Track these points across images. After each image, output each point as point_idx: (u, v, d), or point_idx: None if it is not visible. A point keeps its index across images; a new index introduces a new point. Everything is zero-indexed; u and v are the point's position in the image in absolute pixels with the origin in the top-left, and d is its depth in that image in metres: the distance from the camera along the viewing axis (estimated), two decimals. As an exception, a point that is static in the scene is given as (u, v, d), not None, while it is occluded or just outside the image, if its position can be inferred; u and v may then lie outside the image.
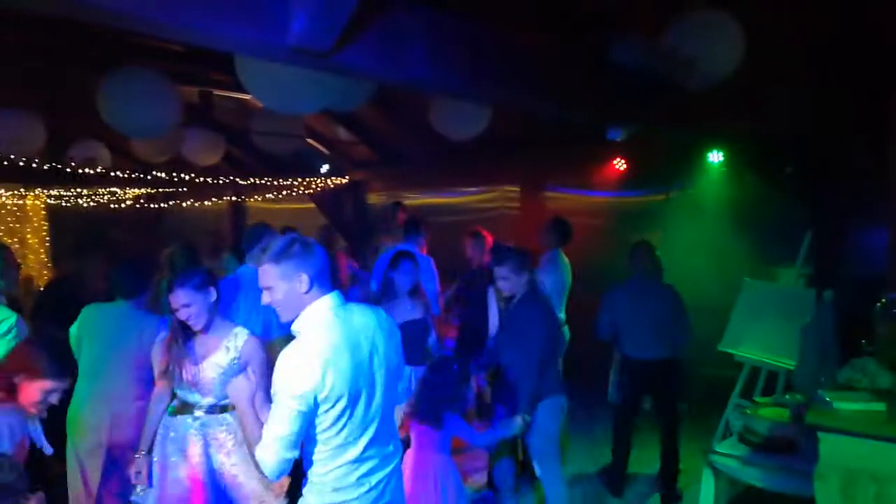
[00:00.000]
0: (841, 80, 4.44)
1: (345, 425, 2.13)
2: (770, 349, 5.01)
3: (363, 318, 2.27)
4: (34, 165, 6.14)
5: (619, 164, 6.55)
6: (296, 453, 2.09)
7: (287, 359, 2.08)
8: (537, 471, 3.82)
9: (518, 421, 3.55)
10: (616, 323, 4.66)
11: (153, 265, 4.03)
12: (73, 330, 3.62)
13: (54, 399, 2.60)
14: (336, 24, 2.44)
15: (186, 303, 2.92)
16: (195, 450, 3.03)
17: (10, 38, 5.22)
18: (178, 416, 3.09)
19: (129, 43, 5.48)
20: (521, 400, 3.62)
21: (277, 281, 2.14)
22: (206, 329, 3.03)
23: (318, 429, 2.12)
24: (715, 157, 5.76)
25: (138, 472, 3.10)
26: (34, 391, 2.54)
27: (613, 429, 4.81)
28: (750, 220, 5.87)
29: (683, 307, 4.59)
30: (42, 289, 7.01)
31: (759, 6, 4.12)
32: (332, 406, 2.09)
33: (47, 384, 2.56)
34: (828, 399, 3.05)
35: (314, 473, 2.18)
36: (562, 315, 5.28)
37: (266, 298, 2.20)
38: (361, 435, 2.18)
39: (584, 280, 5.44)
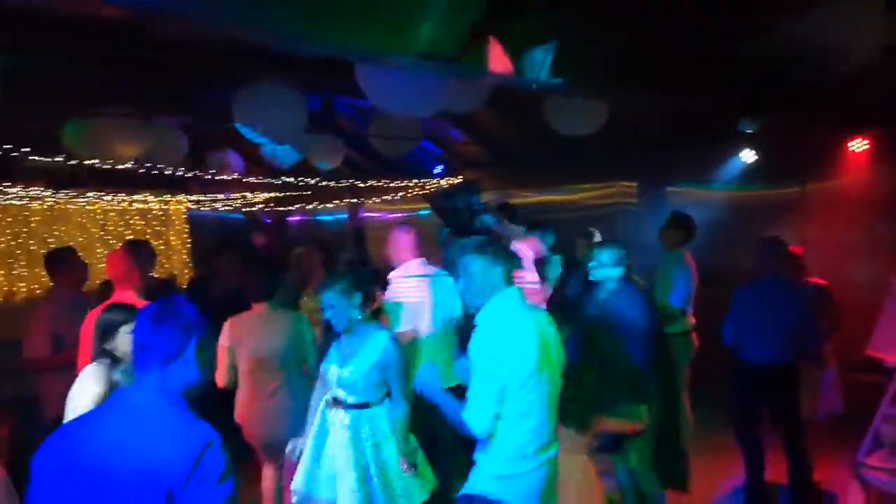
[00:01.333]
0: None
1: (527, 399, 2.46)
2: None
3: (537, 311, 2.68)
4: (178, 173, 6.67)
5: (748, 156, 6.18)
6: (496, 412, 2.44)
7: (488, 334, 2.48)
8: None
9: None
10: (741, 325, 4.42)
11: (283, 266, 4.29)
12: (224, 341, 3.87)
13: None
14: (462, 30, 2.48)
15: (331, 304, 3.14)
16: (344, 443, 3.19)
17: (153, 56, 5.70)
18: (332, 410, 3.29)
19: (259, 54, 5.83)
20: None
21: (477, 270, 2.57)
22: (349, 331, 3.21)
23: (507, 398, 2.45)
24: (859, 145, 5.31)
25: (293, 450, 3.41)
26: None
27: (738, 440, 4.57)
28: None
29: (815, 310, 4.28)
30: (184, 288, 7.61)
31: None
32: (526, 379, 2.44)
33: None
34: None
35: (494, 440, 2.49)
36: (691, 321, 5.05)
37: (461, 284, 2.65)
38: (539, 411, 2.51)
39: (710, 281, 5.19)
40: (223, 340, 3.86)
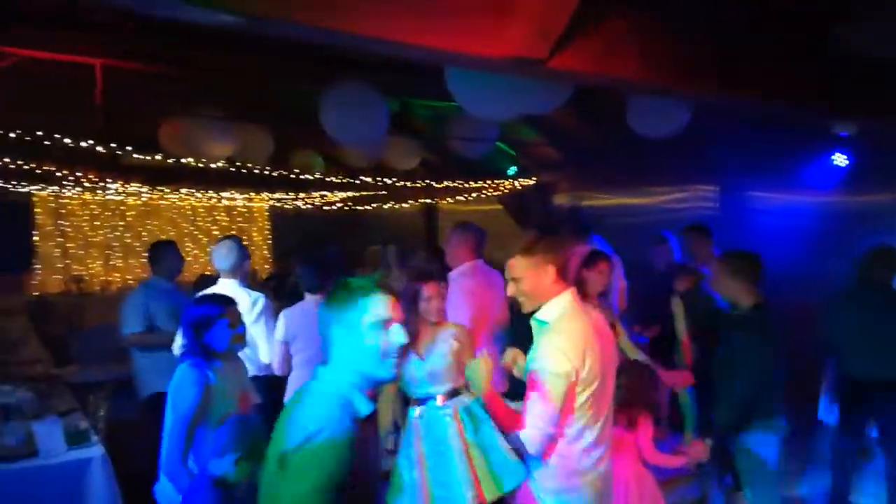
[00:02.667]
0: None
1: (590, 407, 2.31)
2: None
3: (593, 313, 2.48)
4: (264, 172, 6.96)
5: (841, 160, 5.92)
6: (555, 429, 2.27)
7: (550, 342, 2.28)
8: (749, 497, 3.58)
9: (702, 447, 3.37)
10: (835, 337, 4.24)
11: (344, 262, 4.43)
12: (279, 335, 4.04)
13: (223, 330, 2.94)
14: (552, 32, 2.53)
15: (439, 294, 3.32)
16: (452, 435, 3.27)
17: (243, 60, 6.00)
18: (412, 407, 3.41)
19: (340, 58, 6.04)
20: (717, 422, 3.40)
21: (525, 272, 2.35)
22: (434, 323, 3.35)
23: (566, 411, 2.29)
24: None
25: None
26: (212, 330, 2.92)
27: (831, 455, 4.39)
28: None
29: None
30: (263, 282, 7.95)
31: None
32: (587, 387, 2.28)
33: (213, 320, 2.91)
34: None
35: (556, 454, 2.34)
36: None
37: (511, 290, 2.41)
38: (600, 419, 2.36)
39: (798, 289, 5.00)
40: (277, 333, 4.01)
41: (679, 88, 3.05)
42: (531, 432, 2.26)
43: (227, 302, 3.02)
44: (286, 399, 3.93)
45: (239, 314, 3.02)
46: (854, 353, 4.18)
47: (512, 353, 2.74)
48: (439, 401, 3.34)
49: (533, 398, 2.26)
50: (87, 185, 7.58)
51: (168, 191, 8.46)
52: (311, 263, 4.18)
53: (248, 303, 4.00)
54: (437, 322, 3.38)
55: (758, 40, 3.26)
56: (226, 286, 4.08)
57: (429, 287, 3.31)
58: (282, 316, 4.01)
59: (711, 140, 6.47)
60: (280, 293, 6.03)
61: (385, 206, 10.76)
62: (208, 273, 7.21)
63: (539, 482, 2.40)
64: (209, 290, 4.01)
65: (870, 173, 5.82)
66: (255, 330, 3.97)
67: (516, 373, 2.69)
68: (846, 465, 4.30)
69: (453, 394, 3.36)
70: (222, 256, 4.11)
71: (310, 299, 4.06)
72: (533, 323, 2.40)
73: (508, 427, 2.41)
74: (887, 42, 3.30)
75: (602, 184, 8.66)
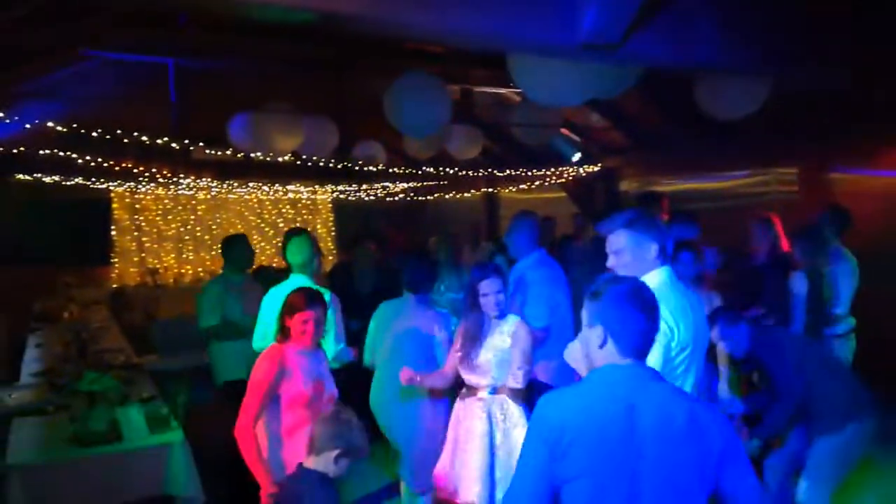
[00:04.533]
0: None
1: (683, 372, 2.34)
2: None
3: (690, 293, 2.50)
4: (329, 165, 7.05)
5: (932, 139, 5.54)
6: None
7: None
8: (801, 489, 3.43)
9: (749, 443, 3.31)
10: None
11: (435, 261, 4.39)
12: (372, 324, 4.05)
13: (310, 327, 3.04)
14: (625, 15, 2.44)
15: (498, 290, 3.25)
16: (479, 429, 3.26)
17: (308, 53, 6.07)
18: (466, 399, 3.38)
19: (403, 49, 6.04)
20: (769, 422, 3.34)
21: (628, 246, 2.39)
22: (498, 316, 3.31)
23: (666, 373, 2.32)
24: None
25: None
26: (297, 324, 3.03)
27: None
28: None
29: None
30: (327, 273, 8.06)
31: None
32: (682, 352, 2.31)
33: (301, 314, 3.02)
34: None
35: None
36: (851, 321, 4.65)
37: (612, 261, 2.44)
38: (692, 387, 2.38)
39: (885, 275, 4.72)
40: (372, 322, 4.04)
41: (755, 66, 2.89)
42: None
43: (316, 294, 3.19)
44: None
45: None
46: None
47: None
48: (480, 394, 3.32)
49: None
50: (160, 180, 7.87)
51: (236, 185, 8.70)
52: (422, 261, 4.12)
53: None
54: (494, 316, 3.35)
55: (839, 11, 3.06)
56: (297, 281, 4.13)
57: (485, 284, 3.29)
58: (381, 306, 4.05)
59: (790, 118, 6.16)
60: (346, 285, 6.06)
61: (447, 196, 10.76)
62: (266, 265, 7.35)
63: None
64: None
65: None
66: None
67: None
68: None
69: (495, 391, 3.31)
70: (295, 251, 4.17)
71: (410, 297, 4.00)
72: None
73: None
74: None
75: (671, 168, 8.38)
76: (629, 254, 2.39)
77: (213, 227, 11.16)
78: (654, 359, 2.24)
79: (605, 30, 2.47)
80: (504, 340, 3.28)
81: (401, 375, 3.37)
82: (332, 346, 3.97)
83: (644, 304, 1.79)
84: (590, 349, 1.83)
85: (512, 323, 3.33)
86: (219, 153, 6.79)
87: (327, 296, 4.07)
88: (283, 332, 3.07)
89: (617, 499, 1.69)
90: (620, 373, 1.76)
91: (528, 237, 4.16)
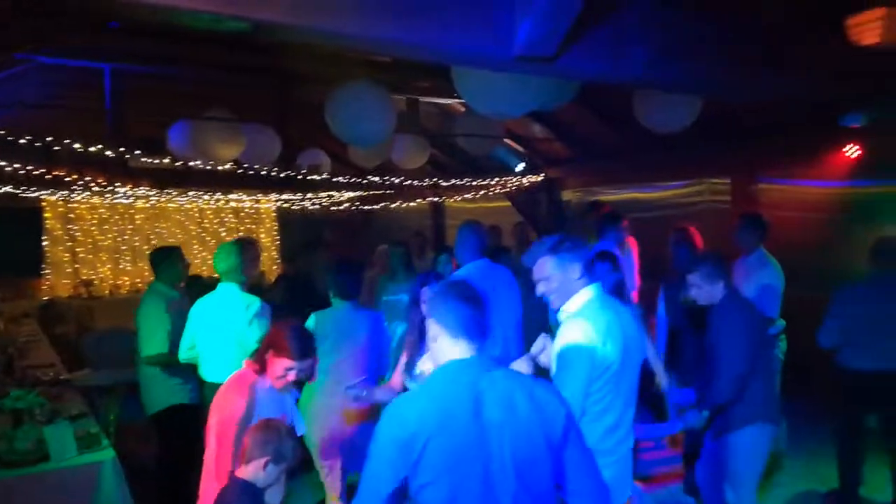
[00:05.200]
0: None
1: (611, 391, 2.43)
2: None
3: (620, 307, 2.59)
4: (272, 174, 6.95)
5: (852, 151, 5.86)
6: (582, 404, 2.38)
7: (573, 330, 2.41)
8: (729, 496, 3.56)
9: (699, 415, 3.43)
10: (845, 330, 4.20)
11: (364, 265, 4.38)
12: (310, 326, 4.03)
13: (292, 376, 2.81)
14: (560, 29, 2.50)
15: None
16: None
17: (249, 61, 5.99)
18: None
19: (347, 58, 6.02)
20: (711, 397, 3.43)
21: (554, 271, 2.49)
22: None
23: (590, 392, 2.42)
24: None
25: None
26: (278, 367, 2.77)
27: (838, 449, 4.36)
28: None
29: None
30: (272, 283, 7.94)
31: None
32: (606, 370, 2.39)
33: (289, 362, 2.76)
34: None
35: None
36: (781, 323, 4.87)
37: (542, 288, 2.55)
38: (621, 403, 2.48)
39: (806, 282, 4.96)
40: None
41: (691, 86, 3.01)
42: None
43: None
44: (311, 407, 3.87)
45: None
46: (855, 345, 4.15)
47: (542, 341, 2.79)
48: None
49: (559, 377, 2.40)
50: (95, 189, 7.61)
51: (176, 193, 8.48)
52: (351, 269, 4.12)
53: (242, 306, 3.98)
54: None
55: (778, 28, 3.21)
56: (225, 290, 4.06)
57: (426, 291, 3.26)
58: (312, 317, 3.97)
59: (722, 131, 6.42)
60: (293, 295, 5.97)
61: (392, 206, 10.75)
62: (197, 275, 7.17)
63: None
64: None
65: (881, 164, 5.76)
66: (249, 334, 3.91)
67: (544, 359, 2.73)
68: (853, 457, 4.28)
69: None
70: (221, 258, 4.10)
71: (341, 305, 4.01)
72: (560, 317, 2.54)
73: None
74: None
75: (610, 178, 8.60)
76: (556, 279, 2.50)
77: (152, 237, 10.85)
78: (573, 376, 2.36)
79: (540, 43, 2.52)
80: None
81: (347, 398, 3.35)
82: None
83: (465, 294, 1.95)
84: (434, 349, 1.95)
85: None
86: (157, 161, 6.60)
87: (257, 305, 4.02)
88: (260, 364, 2.83)
89: (472, 495, 1.76)
90: (460, 366, 1.86)
91: (472, 246, 4.19)
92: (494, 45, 2.57)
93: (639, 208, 7.97)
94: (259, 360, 2.83)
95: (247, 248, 4.24)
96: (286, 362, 2.76)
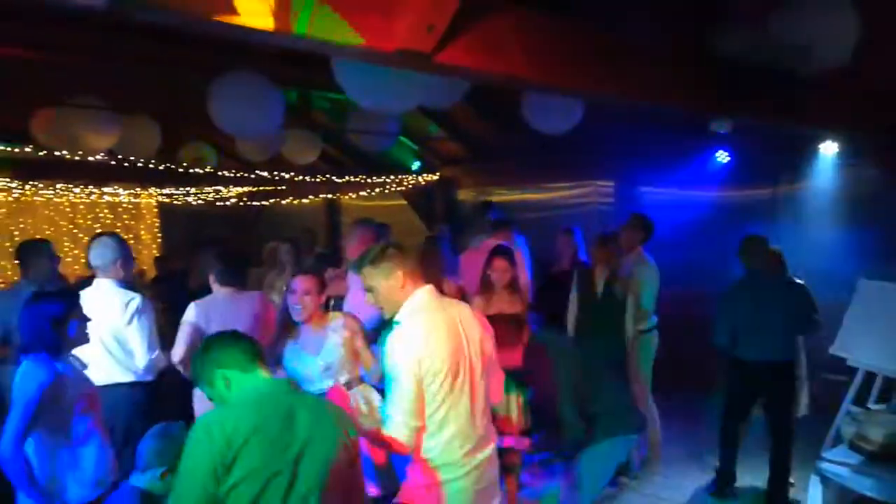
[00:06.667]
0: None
1: (444, 399, 2.37)
2: (886, 353, 4.67)
3: (456, 308, 2.56)
4: (150, 166, 6.56)
5: (723, 157, 6.27)
6: (420, 423, 2.36)
7: (397, 341, 2.37)
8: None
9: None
10: (733, 325, 4.47)
11: (249, 258, 4.31)
12: (188, 318, 3.85)
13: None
14: (439, 25, 2.47)
15: (306, 290, 3.26)
16: None
17: (127, 47, 5.61)
18: None
19: (233, 48, 5.75)
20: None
21: (376, 281, 2.45)
22: (312, 318, 3.33)
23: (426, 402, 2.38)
24: (829, 148, 5.43)
25: None
26: None
27: (720, 435, 4.64)
28: (867, 216, 5.48)
29: (809, 305, 4.38)
30: (152, 281, 7.52)
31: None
32: (435, 379, 2.35)
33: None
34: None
35: (422, 450, 2.41)
36: (654, 319, 5.13)
37: (369, 299, 2.51)
38: (461, 412, 2.42)
39: (682, 280, 5.25)
40: (190, 318, 3.83)
41: (562, 85, 3.07)
42: (396, 430, 2.34)
43: (72, 297, 3.03)
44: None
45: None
46: (743, 338, 4.43)
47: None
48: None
49: (391, 393, 2.36)
50: (-53, 179, 6.90)
51: (42, 186, 7.82)
52: (232, 258, 4.10)
53: (121, 303, 3.73)
54: (315, 316, 3.33)
55: (642, 40, 3.33)
56: (101, 286, 3.79)
57: (298, 281, 3.30)
58: (193, 306, 3.86)
59: (607, 137, 6.68)
60: (175, 292, 5.68)
61: (284, 202, 10.44)
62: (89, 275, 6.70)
63: (410, 478, 2.47)
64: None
65: (750, 169, 6.19)
66: (129, 332, 3.71)
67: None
68: (731, 445, 4.56)
69: (349, 386, 3.32)
70: (96, 254, 3.83)
71: (222, 292, 3.95)
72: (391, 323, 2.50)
73: (385, 446, 2.47)
74: (761, 43, 3.47)
75: (503, 179, 8.76)
76: (380, 288, 2.46)
77: (16, 232, 9.97)
78: (398, 393, 2.34)
79: (419, 39, 2.48)
80: (340, 335, 3.32)
81: None
82: (144, 355, 3.72)
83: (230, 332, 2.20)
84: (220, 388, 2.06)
85: (343, 317, 3.41)
86: (18, 150, 6.05)
87: (139, 301, 3.79)
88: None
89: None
90: (262, 387, 2.05)
91: (361, 244, 4.15)
92: (373, 38, 2.51)
93: (529, 209, 8.15)
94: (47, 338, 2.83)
95: (120, 242, 3.97)
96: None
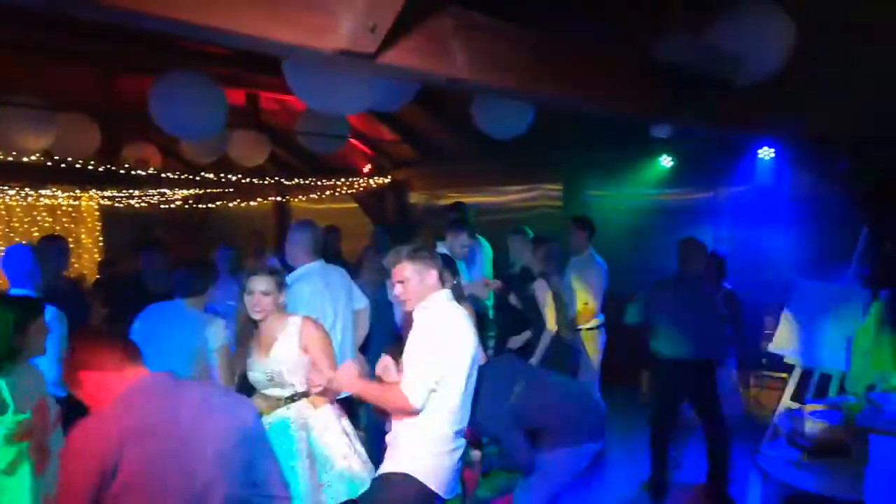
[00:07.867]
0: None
1: (454, 391, 2.66)
2: (822, 351, 4.87)
3: (463, 312, 2.82)
4: (89, 167, 6.34)
5: (665, 162, 6.43)
6: (431, 392, 2.61)
7: (426, 328, 2.66)
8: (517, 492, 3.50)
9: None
10: (652, 317, 4.55)
11: (210, 266, 4.12)
12: (136, 326, 3.70)
13: None
14: (381, 26, 2.46)
15: (265, 289, 3.08)
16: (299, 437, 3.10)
17: (67, 43, 5.42)
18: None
19: (178, 47, 5.62)
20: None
21: (412, 275, 2.69)
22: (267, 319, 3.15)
23: (441, 388, 2.64)
24: (765, 153, 5.63)
25: None
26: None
27: (650, 435, 4.67)
28: (802, 219, 5.70)
29: (721, 313, 4.49)
30: (93, 286, 7.24)
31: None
32: (455, 370, 2.65)
33: None
34: (880, 402, 2.96)
35: (418, 424, 2.65)
36: (601, 317, 5.22)
37: (398, 290, 2.74)
38: (461, 404, 2.71)
39: (626, 281, 5.36)
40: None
41: (504, 86, 3.09)
42: (412, 389, 2.57)
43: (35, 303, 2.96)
44: None
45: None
46: (666, 333, 4.50)
47: (385, 361, 2.91)
48: (285, 408, 3.11)
49: (411, 373, 2.61)
50: None
51: (-27, 188, 7.49)
52: (194, 266, 3.86)
53: None
54: (271, 318, 3.16)
55: (583, 43, 3.39)
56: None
57: (252, 281, 3.11)
58: (151, 310, 3.66)
59: (556, 140, 6.76)
60: (118, 299, 5.43)
61: (231, 205, 10.22)
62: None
63: (404, 449, 2.69)
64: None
65: (692, 173, 6.37)
66: None
67: (386, 378, 2.83)
68: (662, 443, 4.62)
69: (300, 396, 3.12)
70: (11, 262, 3.65)
71: (181, 303, 3.70)
72: (415, 315, 2.75)
73: (390, 401, 2.69)
74: (698, 51, 3.58)
75: (454, 182, 8.78)
76: (412, 282, 2.70)
77: (-53, 237, 9.51)
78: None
79: (362, 39, 2.46)
80: (296, 340, 3.12)
81: None
82: (54, 368, 3.52)
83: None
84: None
85: (300, 319, 3.19)
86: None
87: (51, 312, 3.60)
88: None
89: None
90: (152, 383, 1.98)
91: (302, 247, 4.04)
92: (316, 38, 2.48)
93: (481, 212, 8.18)
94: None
95: (45, 247, 3.79)
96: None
